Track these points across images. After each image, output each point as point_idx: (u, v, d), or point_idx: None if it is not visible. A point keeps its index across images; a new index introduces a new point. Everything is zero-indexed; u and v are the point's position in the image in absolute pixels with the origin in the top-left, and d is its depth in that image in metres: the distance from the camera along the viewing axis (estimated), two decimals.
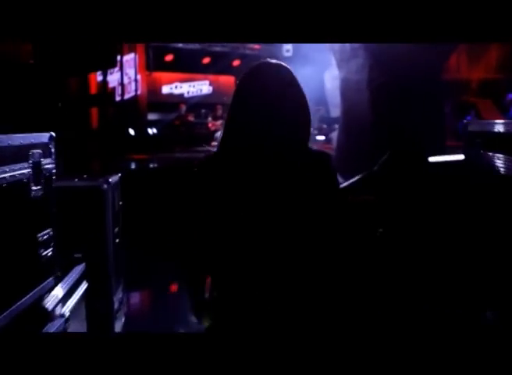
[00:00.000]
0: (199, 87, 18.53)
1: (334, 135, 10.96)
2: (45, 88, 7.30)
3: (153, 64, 16.59)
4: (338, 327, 1.82)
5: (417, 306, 3.67)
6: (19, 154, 2.13)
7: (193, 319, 1.95)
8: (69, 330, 2.57)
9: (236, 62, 18.51)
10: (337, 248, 1.82)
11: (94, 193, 3.68)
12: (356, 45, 7.10)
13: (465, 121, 3.31)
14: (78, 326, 2.89)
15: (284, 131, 1.77)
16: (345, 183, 4.21)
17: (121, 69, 14.92)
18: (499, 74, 17.74)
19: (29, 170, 2.21)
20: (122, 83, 14.96)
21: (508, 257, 2.53)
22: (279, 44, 17.89)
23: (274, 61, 1.91)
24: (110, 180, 3.88)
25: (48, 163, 2.41)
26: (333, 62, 13.90)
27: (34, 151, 2.27)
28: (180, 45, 17.07)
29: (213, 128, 15.10)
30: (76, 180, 3.79)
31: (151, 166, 11.87)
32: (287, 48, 17.92)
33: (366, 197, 4.58)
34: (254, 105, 1.78)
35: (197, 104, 16.93)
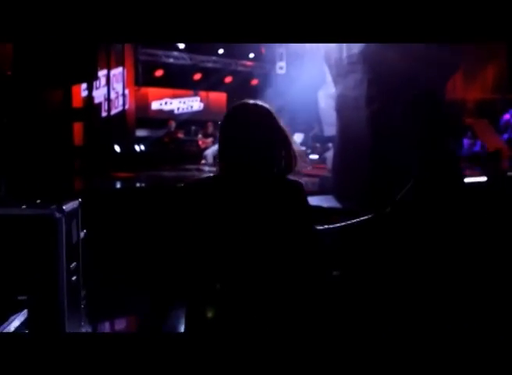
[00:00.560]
0: (189, 103, 18.14)
1: (329, 155, 10.44)
2: (23, 100, 7.00)
3: (142, 79, 16.21)
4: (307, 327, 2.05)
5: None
6: None
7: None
8: None
9: (228, 79, 18.23)
10: (306, 264, 2.05)
11: (44, 223, 3.07)
12: (354, 59, 6.58)
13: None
14: None
15: (263, 164, 2.02)
16: (342, 224, 3.67)
17: (108, 83, 14.51)
18: (495, 94, 17.52)
19: None
20: (108, 98, 14.47)
21: None
22: (272, 61, 17.62)
23: (252, 101, 2.13)
24: (65, 207, 3.26)
25: None
26: (328, 79, 13.69)
27: None
28: (171, 60, 16.77)
29: (203, 146, 14.60)
30: (24, 207, 3.17)
31: (138, 185, 11.26)
32: (281, 66, 17.60)
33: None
34: (238, 142, 2.02)
35: (187, 121, 16.49)
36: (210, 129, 14.85)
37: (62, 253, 3.16)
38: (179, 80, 16.87)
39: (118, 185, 10.83)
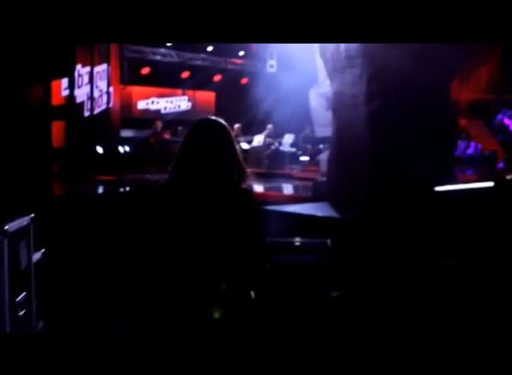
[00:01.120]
0: (177, 102, 17.52)
1: (322, 157, 9.86)
2: None
3: (128, 77, 15.57)
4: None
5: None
6: None
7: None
8: None
9: (217, 77, 17.69)
10: (253, 257, 2.35)
11: None
12: (352, 53, 6.00)
13: None
14: None
15: (219, 173, 2.31)
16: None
17: (91, 81, 13.90)
18: (489, 95, 17.16)
19: None
20: (91, 97, 13.85)
21: None
22: (263, 60, 17.15)
23: (214, 118, 2.40)
24: (9, 226, 2.64)
25: None
26: (320, 78, 13.20)
27: None
28: (158, 58, 16.20)
29: None
30: None
31: (121, 190, 10.65)
32: (271, 64, 17.17)
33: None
34: (198, 153, 2.32)
35: (174, 121, 15.85)
36: None
37: (4, 283, 2.55)
38: (166, 79, 16.32)
39: (98, 189, 10.24)
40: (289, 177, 12.04)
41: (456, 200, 5.49)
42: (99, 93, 14.33)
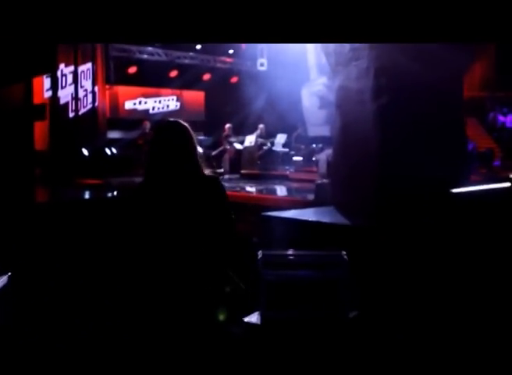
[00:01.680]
0: (165, 102, 17.08)
1: (321, 157, 9.38)
2: None
3: (114, 76, 15.20)
4: None
5: None
6: None
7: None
8: None
9: (206, 76, 17.31)
10: (225, 246, 2.64)
11: None
12: (358, 45, 5.52)
13: None
14: None
15: (185, 166, 2.63)
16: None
17: (75, 80, 13.40)
18: (483, 92, 16.92)
19: None
20: (76, 97, 13.34)
21: None
22: (253, 58, 16.85)
23: (173, 120, 2.72)
24: None
25: None
26: (311, 76, 12.81)
27: None
28: (145, 56, 15.79)
29: None
30: None
31: (109, 194, 10.13)
32: (261, 62, 16.93)
33: None
34: (164, 151, 2.63)
35: (163, 121, 15.40)
36: None
37: None
38: (153, 78, 15.95)
39: (85, 194, 9.73)
40: (284, 179, 11.59)
41: (474, 202, 5.08)
42: (84, 93, 13.84)
